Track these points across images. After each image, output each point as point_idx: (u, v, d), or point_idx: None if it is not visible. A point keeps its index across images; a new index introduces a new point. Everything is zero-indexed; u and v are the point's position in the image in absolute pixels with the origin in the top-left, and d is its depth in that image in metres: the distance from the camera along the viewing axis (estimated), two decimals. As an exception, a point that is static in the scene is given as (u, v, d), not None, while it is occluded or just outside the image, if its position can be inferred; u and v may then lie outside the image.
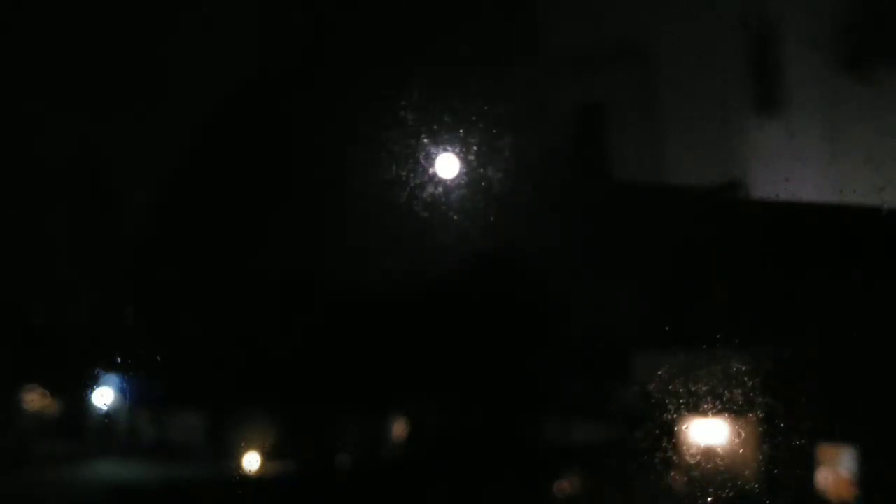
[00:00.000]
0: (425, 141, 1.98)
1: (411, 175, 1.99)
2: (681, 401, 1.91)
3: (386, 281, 2.08)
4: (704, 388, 1.91)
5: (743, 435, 1.92)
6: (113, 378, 2.13)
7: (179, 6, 2.06)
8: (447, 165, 1.99)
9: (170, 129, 2.13)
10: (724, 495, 1.92)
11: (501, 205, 2.00)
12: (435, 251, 2.05)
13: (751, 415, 1.90)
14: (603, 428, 2.22)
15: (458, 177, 1.99)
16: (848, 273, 1.93)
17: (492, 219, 2.00)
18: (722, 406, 1.91)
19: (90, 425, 2.26)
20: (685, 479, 1.94)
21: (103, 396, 2.17)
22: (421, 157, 1.99)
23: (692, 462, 1.94)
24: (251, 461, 2.20)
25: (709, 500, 1.92)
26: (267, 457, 2.22)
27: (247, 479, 2.18)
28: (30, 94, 2.05)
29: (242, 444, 2.21)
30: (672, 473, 1.95)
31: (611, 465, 2.12)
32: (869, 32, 2.02)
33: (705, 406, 1.91)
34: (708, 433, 1.95)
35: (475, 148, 2.00)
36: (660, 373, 1.93)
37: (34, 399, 2.28)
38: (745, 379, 1.89)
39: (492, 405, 2.18)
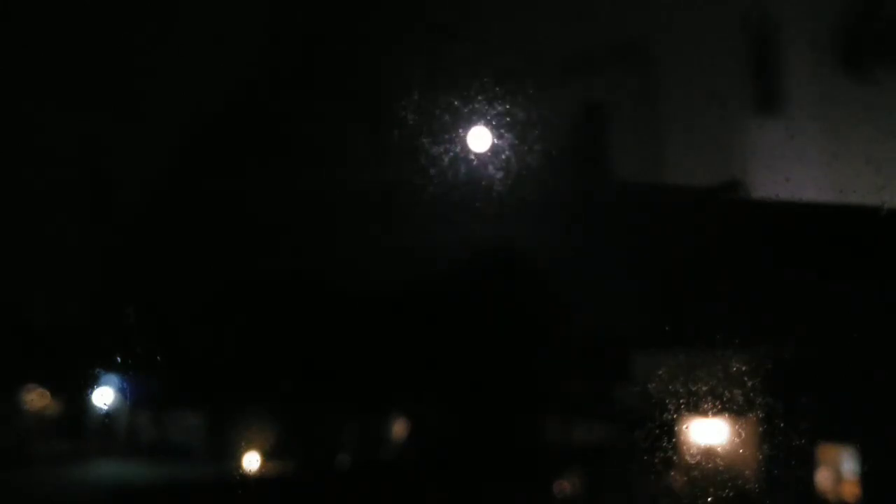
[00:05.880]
0: (424, 141, 1.98)
1: (410, 175, 1.99)
2: (681, 401, 1.91)
3: (386, 281, 2.08)
4: (704, 388, 1.91)
5: (743, 435, 1.92)
6: (113, 378, 2.13)
7: (179, 5, 2.06)
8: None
9: (170, 128, 2.13)
10: (724, 495, 1.92)
11: (501, 205, 2.00)
12: (435, 251, 2.05)
13: (751, 415, 1.90)
14: (603, 428, 2.22)
15: (457, 177, 1.99)
16: (848, 273, 1.93)
17: (492, 219, 2.00)
18: (722, 406, 1.91)
19: (90, 425, 2.26)
20: (685, 479, 1.94)
21: (103, 396, 2.17)
22: (420, 157, 1.99)
23: (692, 462, 1.94)
24: (251, 461, 2.20)
25: (709, 500, 1.92)
26: (267, 457, 2.22)
27: (247, 479, 2.18)
28: (29, 93, 2.05)
29: (242, 444, 2.21)
30: (672, 473, 1.95)
31: (611, 465, 2.12)
32: (869, 32, 2.02)
33: (705, 406, 1.91)
34: (708, 433, 1.95)
35: (475, 148, 2.00)
36: (660, 373, 1.93)
37: (34, 399, 2.28)
38: (745, 379, 1.89)
39: (492, 405, 2.18)
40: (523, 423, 2.22)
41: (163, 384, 2.16)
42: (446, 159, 1.99)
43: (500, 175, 1.99)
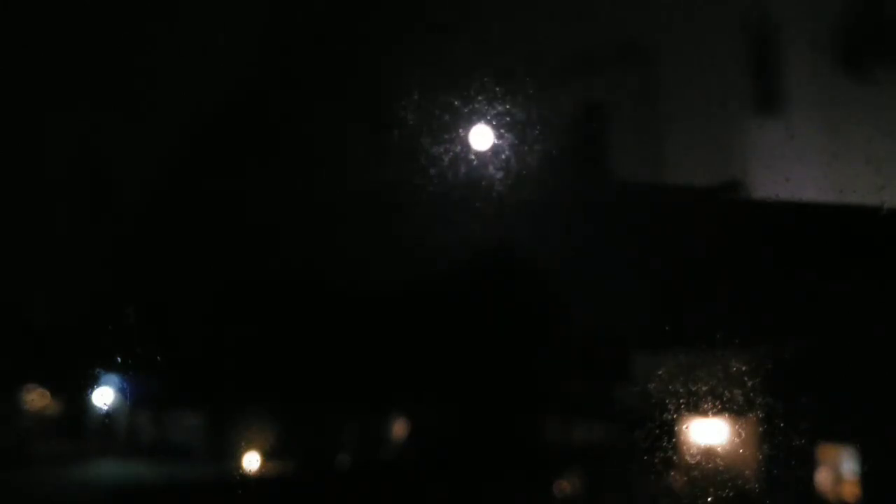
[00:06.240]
0: (424, 141, 1.98)
1: (410, 175, 1.99)
2: (681, 401, 1.91)
3: (386, 281, 2.08)
4: (704, 388, 1.91)
5: (743, 435, 1.92)
6: (113, 378, 2.13)
7: (178, 5, 2.06)
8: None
9: (170, 129, 2.13)
10: (724, 495, 1.92)
11: (501, 205, 2.00)
12: (435, 251, 2.05)
13: (751, 415, 1.90)
14: (603, 428, 2.22)
15: (457, 177, 1.99)
16: (848, 273, 1.93)
17: (492, 219, 2.00)
18: (722, 406, 1.91)
19: (90, 425, 2.26)
20: (685, 479, 1.94)
21: (103, 396, 2.17)
22: (420, 157, 1.99)
23: (692, 462, 1.94)
24: (251, 461, 2.20)
25: (709, 500, 1.92)
26: (267, 457, 2.22)
27: (247, 479, 2.18)
28: (30, 93, 2.05)
29: (242, 444, 2.21)
30: (672, 473, 1.95)
31: (611, 465, 2.12)
32: (869, 32, 2.02)
33: (705, 406, 1.91)
34: (708, 433, 1.95)
35: (475, 148, 2.00)
36: (660, 373, 1.93)
37: (34, 399, 2.28)
38: (745, 379, 1.89)
39: (492, 405, 2.18)
40: (523, 423, 2.22)
41: (163, 384, 2.16)
42: (446, 159, 1.99)
43: (500, 175, 1.99)
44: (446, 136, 1.98)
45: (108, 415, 2.20)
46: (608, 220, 2.05)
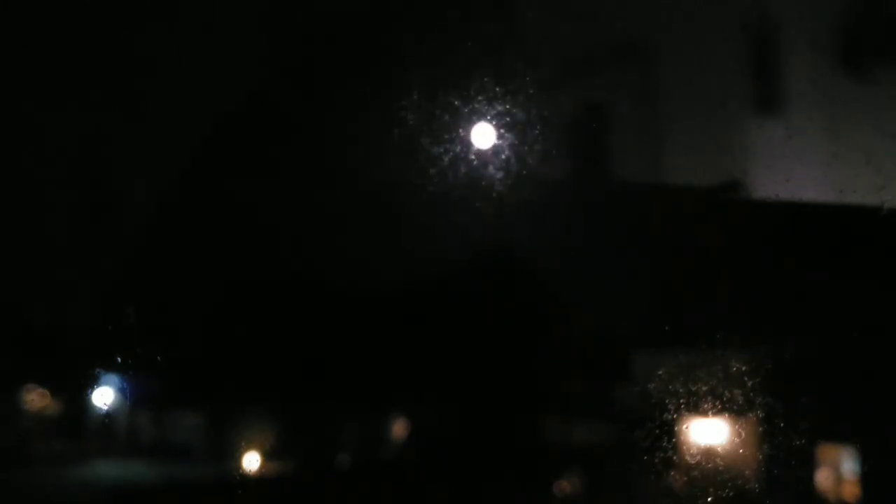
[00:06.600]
0: (424, 141, 1.98)
1: (410, 175, 1.99)
2: (681, 401, 1.91)
3: (386, 281, 2.08)
4: (704, 388, 1.91)
5: (743, 435, 1.92)
6: (113, 378, 2.13)
7: (179, 5, 2.06)
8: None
9: (171, 129, 2.13)
10: (724, 495, 1.92)
11: (501, 205, 2.00)
12: (435, 251, 2.05)
13: (751, 415, 1.90)
14: (603, 428, 2.22)
15: (457, 177, 1.99)
16: (848, 273, 1.93)
17: (492, 219, 2.00)
18: (722, 406, 1.91)
19: (90, 425, 2.26)
20: (685, 479, 1.94)
21: (103, 396, 2.17)
22: (420, 157, 1.99)
23: (692, 462, 1.94)
24: (251, 461, 2.20)
25: (709, 500, 1.92)
26: (267, 457, 2.22)
27: (247, 479, 2.18)
28: (30, 92, 2.05)
29: (242, 444, 2.21)
30: (672, 473, 1.95)
31: (611, 465, 2.12)
32: (869, 32, 2.02)
33: (705, 406, 1.91)
34: (708, 433, 1.95)
35: (475, 148, 2.00)
36: (660, 373, 1.93)
37: (34, 399, 2.28)
38: (745, 379, 1.89)
39: (492, 405, 2.18)
40: (523, 423, 2.22)
41: (163, 384, 2.16)
42: (446, 159, 1.99)
43: (500, 175, 1.99)
44: (446, 136, 1.98)
45: (108, 415, 2.20)
46: (608, 220, 2.05)
